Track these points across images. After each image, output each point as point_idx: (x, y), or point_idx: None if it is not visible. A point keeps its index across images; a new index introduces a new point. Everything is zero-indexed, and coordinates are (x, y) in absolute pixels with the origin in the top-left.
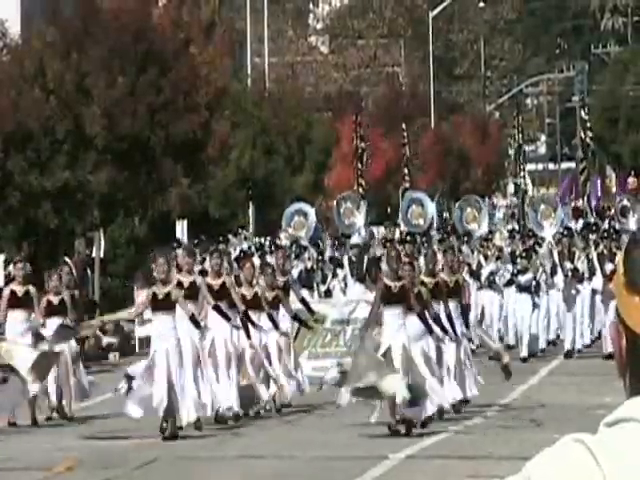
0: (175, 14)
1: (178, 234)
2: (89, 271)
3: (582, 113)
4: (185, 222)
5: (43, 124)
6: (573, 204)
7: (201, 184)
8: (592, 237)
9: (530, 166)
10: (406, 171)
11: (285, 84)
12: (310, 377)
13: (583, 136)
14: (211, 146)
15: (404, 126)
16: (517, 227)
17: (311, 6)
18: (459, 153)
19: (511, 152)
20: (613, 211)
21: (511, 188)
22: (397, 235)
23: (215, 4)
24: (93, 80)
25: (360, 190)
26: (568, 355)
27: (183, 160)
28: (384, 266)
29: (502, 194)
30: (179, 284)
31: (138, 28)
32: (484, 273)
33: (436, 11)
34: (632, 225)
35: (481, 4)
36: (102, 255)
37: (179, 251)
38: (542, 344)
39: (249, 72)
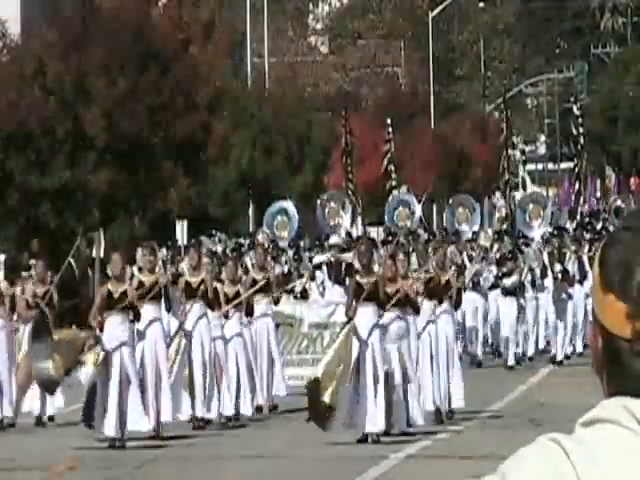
0: (175, 14)
1: (178, 234)
2: (89, 271)
3: (574, 108)
4: (185, 222)
5: (43, 124)
6: (572, 204)
7: (201, 184)
8: (586, 237)
9: (530, 166)
10: (393, 168)
11: (285, 84)
12: (285, 386)
13: (575, 132)
14: (211, 146)
15: (389, 121)
16: (506, 228)
17: (311, 6)
18: (459, 153)
19: (510, 152)
20: (607, 212)
21: (513, 188)
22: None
23: (215, 4)
24: (93, 80)
25: (350, 186)
26: (555, 362)
27: (183, 160)
28: (356, 263)
29: (502, 194)
30: (140, 284)
31: (138, 28)
32: (468, 274)
33: (436, 11)
34: None
35: (481, 4)
36: (102, 255)
37: (139, 250)
38: (531, 351)
39: (249, 72)
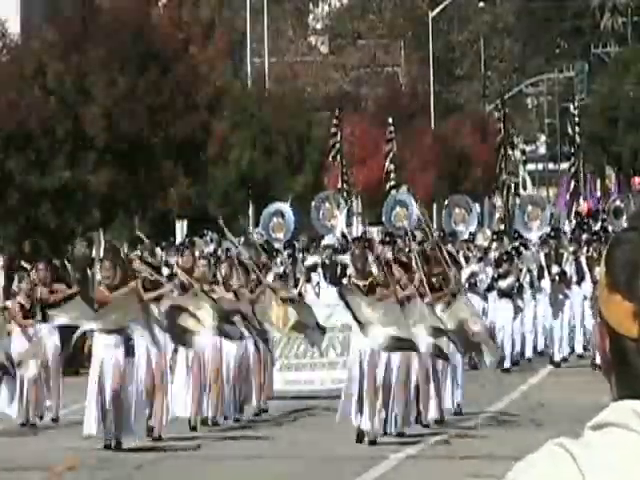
0: (175, 14)
1: (178, 234)
2: (89, 271)
3: (571, 107)
4: (185, 222)
5: (43, 124)
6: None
7: (201, 184)
8: (583, 238)
9: (530, 166)
10: (392, 167)
11: (285, 84)
12: (282, 391)
13: (571, 131)
14: (211, 146)
15: (390, 120)
16: (504, 228)
17: (311, 6)
18: (459, 153)
19: (510, 152)
20: (606, 212)
21: (511, 188)
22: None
23: (215, 4)
24: (93, 80)
25: (345, 186)
26: (555, 364)
27: (183, 160)
28: (350, 266)
29: (499, 194)
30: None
31: (138, 28)
32: (464, 275)
33: (436, 11)
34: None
35: (481, 4)
36: (102, 255)
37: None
38: (529, 352)
39: (249, 72)
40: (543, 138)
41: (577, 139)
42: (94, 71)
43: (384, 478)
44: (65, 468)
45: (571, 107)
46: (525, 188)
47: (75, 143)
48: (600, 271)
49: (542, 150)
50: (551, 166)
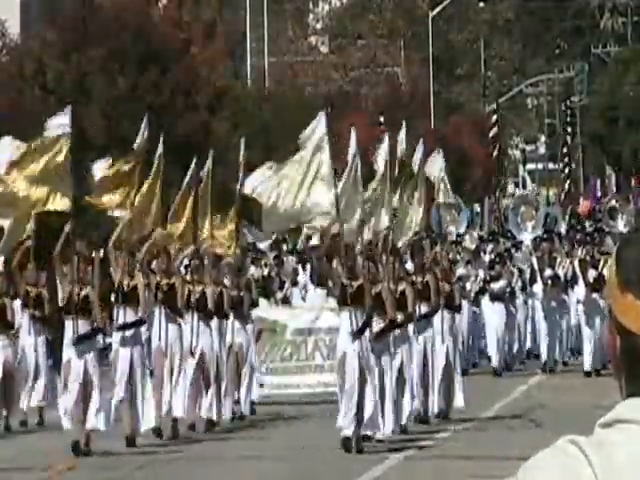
0: (175, 14)
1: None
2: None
3: (563, 106)
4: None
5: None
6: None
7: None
8: (577, 238)
9: (530, 166)
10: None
11: (285, 84)
12: (269, 395)
13: (562, 131)
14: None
15: (382, 119)
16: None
17: (311, 6)
18: (459, 153)
19: (512, 152)
20: (601, 212)
21: (511, 188)
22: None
23: (215, 4)
24: (93, 80)
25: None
26: (546, 370)
27: (183, 160)
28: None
29: (502, 194)
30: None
31: (138, 28)
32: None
33: (436, 11)
34: (621, 228)
35: (481, 4)
36: (102, 255)
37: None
38: (522, 356)
39: (249, 72)
40: (543, 138)
41: (568, 140)
42: (94, 71)
43: (384, 478)
44: (65, 468)
45: (562, 106)
46: (525, 188)
47: (75, 143)
48: (610, 270)
49: (542, 150)
50: (551, 166)
